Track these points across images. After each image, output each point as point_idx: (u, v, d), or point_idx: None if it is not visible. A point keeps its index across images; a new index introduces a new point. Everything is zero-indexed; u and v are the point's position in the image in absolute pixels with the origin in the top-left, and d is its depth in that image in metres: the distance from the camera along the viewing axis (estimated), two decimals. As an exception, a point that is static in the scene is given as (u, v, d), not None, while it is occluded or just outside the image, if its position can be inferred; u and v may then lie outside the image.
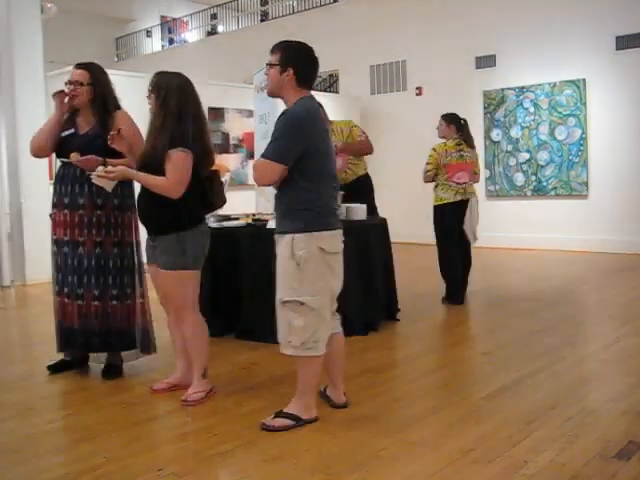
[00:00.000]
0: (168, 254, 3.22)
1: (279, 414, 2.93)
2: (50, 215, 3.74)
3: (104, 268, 3.61)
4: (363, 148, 5.62)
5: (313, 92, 2.97)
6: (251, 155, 8.78)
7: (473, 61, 10.30)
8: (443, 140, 5.88)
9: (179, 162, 3.11)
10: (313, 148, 2.82)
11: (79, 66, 3.67)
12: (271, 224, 4.74)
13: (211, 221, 5.02)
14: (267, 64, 2.91)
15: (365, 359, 4.06)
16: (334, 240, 2.90)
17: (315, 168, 2.84)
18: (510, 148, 9.88)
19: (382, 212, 5.76)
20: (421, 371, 3.84)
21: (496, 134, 10.01)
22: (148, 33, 19.63)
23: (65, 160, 3.61)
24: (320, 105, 2.97)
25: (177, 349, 3.50)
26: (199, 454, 2.67)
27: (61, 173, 3.66)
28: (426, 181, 5.89)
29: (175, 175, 3.11)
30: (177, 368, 3.51)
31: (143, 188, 3.26)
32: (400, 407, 3.21)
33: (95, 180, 3.37)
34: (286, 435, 2.84)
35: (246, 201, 7.02)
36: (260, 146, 6.07)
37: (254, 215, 5.46)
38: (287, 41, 2.96)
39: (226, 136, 9.63)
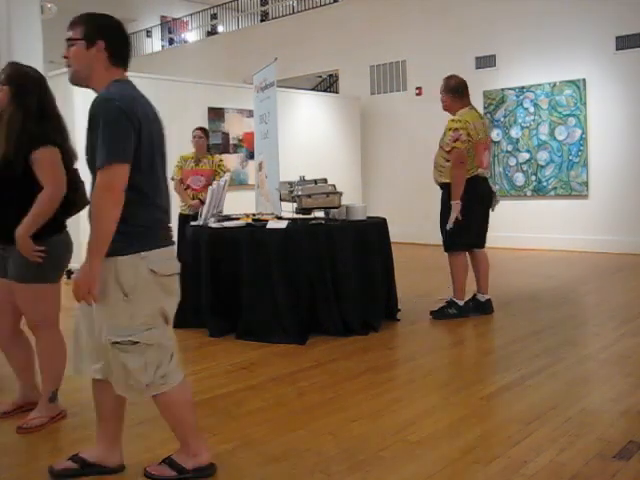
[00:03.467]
0: (22, 265, 2.85)
1: (165, 460, 2.51)
2: None
3: None
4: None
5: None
6: (251, 155, 8.77)
7: (473, 61, 10.29)
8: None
9: (48, 159, 2.81)
10: (147, 143, 2.28)
11: None
12: (271, 224, 4.75)
13: (211, 221, 5.03)
14: (67, 40, 2.34)
15: (365, 359, 4.07)
16: (167, 260, 2.37)
17: (145, 168, 2.28)
18: (510, 148, 9.88)
19: (381, 212, 5.76)
20: (421, 371, 3.84)
21: (496, 134, 10.00)
22: (148, 33, 19.62)
23: None
24: (143, 96, 2.39)
25: (15, 369, 3.19)
26: (199, 454, 2.67)
27: None
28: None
29: (51, 175, 2.78)
30: (17, 389, 3.22)
31: None
32: (400, 407, 3.21)
33: None
34: (286, 435, 2.85)
35: (246, 201, 7.02)
36: (260, 146, 6.06)
37: (254, 215, 5.47)
38: (90, 13, 2.40)
39: (226, 136, 9.63)
